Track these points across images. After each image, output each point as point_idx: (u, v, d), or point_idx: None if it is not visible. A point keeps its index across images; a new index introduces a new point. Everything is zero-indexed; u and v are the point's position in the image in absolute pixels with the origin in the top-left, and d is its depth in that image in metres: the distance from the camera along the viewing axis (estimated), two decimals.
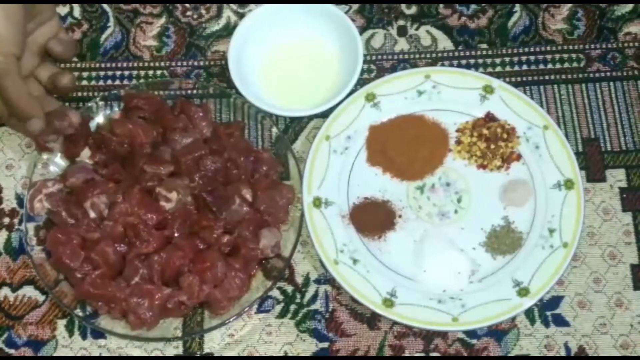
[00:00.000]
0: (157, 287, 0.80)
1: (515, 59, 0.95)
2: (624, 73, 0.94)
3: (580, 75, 0.94)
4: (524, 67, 0.94)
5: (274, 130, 0.89)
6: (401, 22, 0.97)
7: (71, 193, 0.85)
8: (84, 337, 0.84)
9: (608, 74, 0.94)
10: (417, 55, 0.95)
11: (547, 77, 0.94)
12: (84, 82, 0.95)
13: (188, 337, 0.83)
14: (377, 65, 0.95)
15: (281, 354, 0.83)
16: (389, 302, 0.81)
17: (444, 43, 0.96)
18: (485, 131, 0.88)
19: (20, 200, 0.89)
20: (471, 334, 0.83)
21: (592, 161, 0.90)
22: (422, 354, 0.83)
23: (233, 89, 0.91)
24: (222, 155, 0.86)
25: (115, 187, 0.84)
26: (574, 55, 0.95)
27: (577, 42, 0.96)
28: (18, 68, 0.79)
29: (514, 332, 0.83)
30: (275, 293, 0.85)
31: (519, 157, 0.88)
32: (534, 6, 0.98)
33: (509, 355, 0.82)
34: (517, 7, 0.98)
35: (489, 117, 0.89)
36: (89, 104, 0.90)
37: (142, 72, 0.95)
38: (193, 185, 0.84)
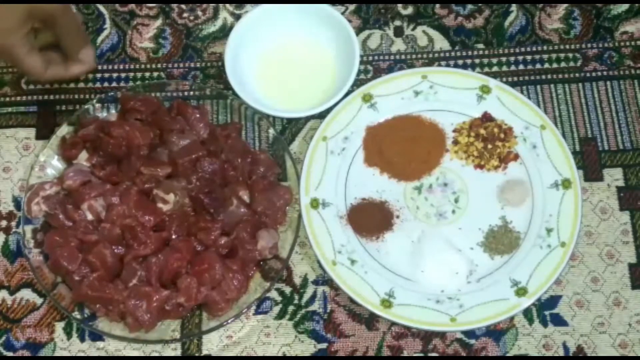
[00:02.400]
0: (155, 289, 0.80)
1: (512, 58, 0.95)
2: (621, 72, 0.94)
3: (577, 75, 0.94)
4: (521, 66, 0.94)
5: (271, 131, 0.89)
6: (397, 23, 0.97)
7: (68, 195, 0.85)
8: (82, 339, 0.84)
9: (605, 73, 0.94)
10: (413, 56, 0.95)
11: (543, 77, 0.94)
12: (81, 85, 0.94)
13: (186, 339, 0.83)
14: (374, 66, 0.95)
15: (279, 355, 0.83)
16: (387, 303, 0.81)
17: (441, 43, 0.96)
18: (482, 131, 0.88)
19: (17, 203, 0.89)
20: (469, 334, 0.83)
21: (590, 160, 0.90)
22: (421, 354, 0.83)
23: (230, 91, 0.90)
24: (219, 156, 0.86)
25: (113, 189, 0.84)
26: (570, 55, 0.95)
27: (573, 42, 0.96)
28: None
29: (512, 332, 0.83)
30: (274, 294, 0.85)
31: (516, 156, 0.88)
32: (530, 6, 0.98)
33: (508, 355, 0.82)
34: (514, 6, 0.98)
35: (486, 117, 0.89)
36: (86, 106, 0.90)
37: (139, 74, 0.95)
38: (190, 187, 0.83)
